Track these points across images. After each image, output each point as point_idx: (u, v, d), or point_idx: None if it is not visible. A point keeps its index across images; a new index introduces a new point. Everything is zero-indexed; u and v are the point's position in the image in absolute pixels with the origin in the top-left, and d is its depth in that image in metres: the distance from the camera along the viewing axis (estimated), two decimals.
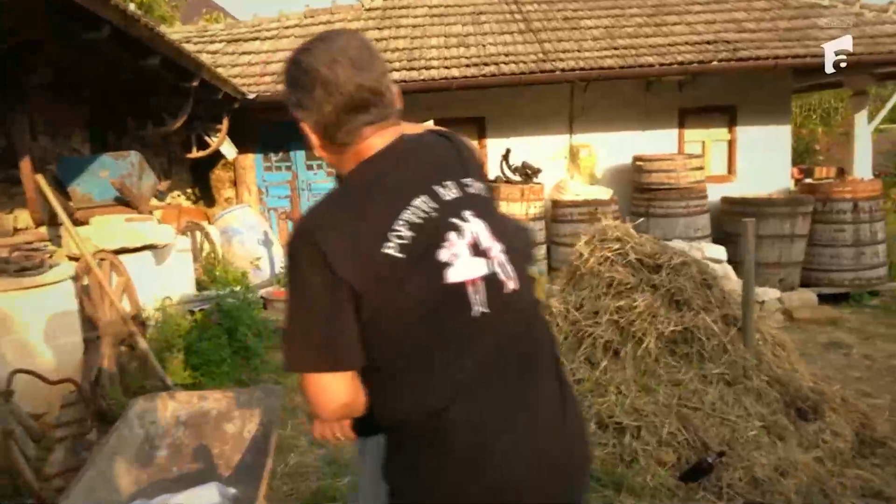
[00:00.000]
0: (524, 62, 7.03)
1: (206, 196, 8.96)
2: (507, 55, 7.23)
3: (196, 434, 2.51)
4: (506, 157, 7.64)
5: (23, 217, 4.20)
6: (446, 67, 7.16)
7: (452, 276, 1.05)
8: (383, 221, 1.03)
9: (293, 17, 8.92)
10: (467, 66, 7.16)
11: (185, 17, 14.60)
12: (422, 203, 1.06)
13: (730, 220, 7.44)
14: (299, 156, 8.74)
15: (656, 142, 8.09)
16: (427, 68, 7.17)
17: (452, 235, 1.06)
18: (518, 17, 8.25)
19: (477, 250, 1.08)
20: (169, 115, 5.60)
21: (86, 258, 3.62)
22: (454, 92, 7.31)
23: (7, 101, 3.89)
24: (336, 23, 8.55)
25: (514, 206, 7.34)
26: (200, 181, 8.88)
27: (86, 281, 3.72)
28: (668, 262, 3.69)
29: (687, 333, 3.50)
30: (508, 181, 7.60)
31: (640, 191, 7.59)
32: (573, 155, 8.36)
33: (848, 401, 3.53)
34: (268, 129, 8.46)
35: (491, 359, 1.08)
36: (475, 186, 1.15)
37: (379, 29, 8.26)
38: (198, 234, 6.57)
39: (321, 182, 8.73)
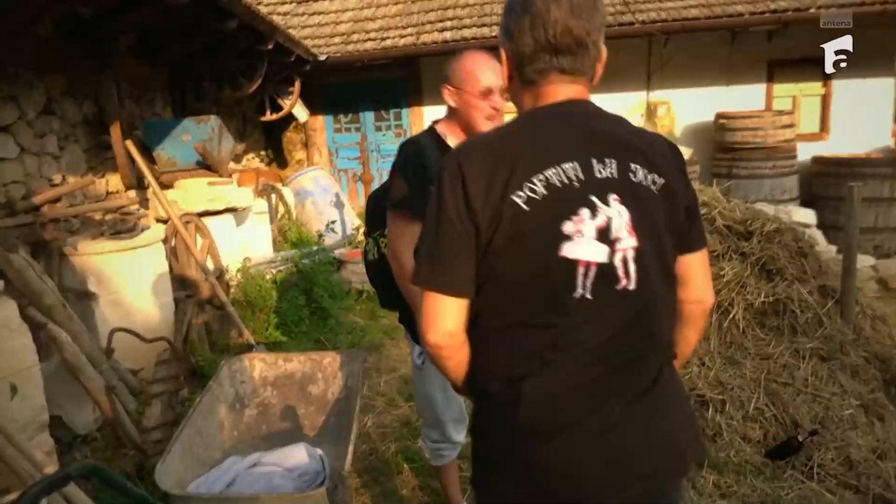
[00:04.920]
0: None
1: (278, 158, 9.15)
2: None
3: (282, 395, 2.59)
4: None
5: (113, 181, 4.39)
6: None
7: (567, 250, 1.02)
8: (525, 170, 1.02)
9: None
10: None
11: None
12: (570, 168, 1.03)
13: (821, 182, 6.98)
14: (368, 117, 8.75)
15: (741, 98, 7.61)
16: (497, 24, 6.93)
17: (585, 212, 1.02)
18: None
19: (604, 236, 1.03)
20: (244, 77, 5.68)
21: (174, 221, 3.75)
22: None
23: (96, 67, 4.03)
24: None
25: None
26: (273, 143, 9.06)
27: (173, 243, 3.87)
28: (759, 229, 3.48)
29: (778, 305, 3.31)
30: None
31: (722, 150, 7.20)
32: (650, 112, 7.99)
33: None
34: (337, 90, 8.50)
35: (584, 347, 1.05)
36: (645, 177, 1.07)
37: None
38: (273, 195, 6.72)
39: (389, 143, 8.72)
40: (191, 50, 5.06)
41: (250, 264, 4.75)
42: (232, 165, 7.02)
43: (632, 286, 1.05)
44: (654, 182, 1.08)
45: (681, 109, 7.86)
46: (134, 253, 3.21)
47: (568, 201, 1.02)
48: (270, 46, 5.05)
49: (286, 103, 7.05)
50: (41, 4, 3.11)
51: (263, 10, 7.69)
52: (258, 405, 2.56)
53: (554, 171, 1.02)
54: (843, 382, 3.11)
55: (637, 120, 8.02)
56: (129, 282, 3.20)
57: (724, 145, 7.15)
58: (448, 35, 7.04)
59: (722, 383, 3.17)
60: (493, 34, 6.86)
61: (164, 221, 4.05)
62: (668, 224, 1.10)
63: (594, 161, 1.04)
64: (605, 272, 1.03)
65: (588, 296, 1.03)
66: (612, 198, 1.04)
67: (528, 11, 1.06)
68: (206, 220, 4.33)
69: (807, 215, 6.63)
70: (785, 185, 7.04)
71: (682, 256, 1.16)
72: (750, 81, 7.62)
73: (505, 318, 1.06)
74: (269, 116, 7.10)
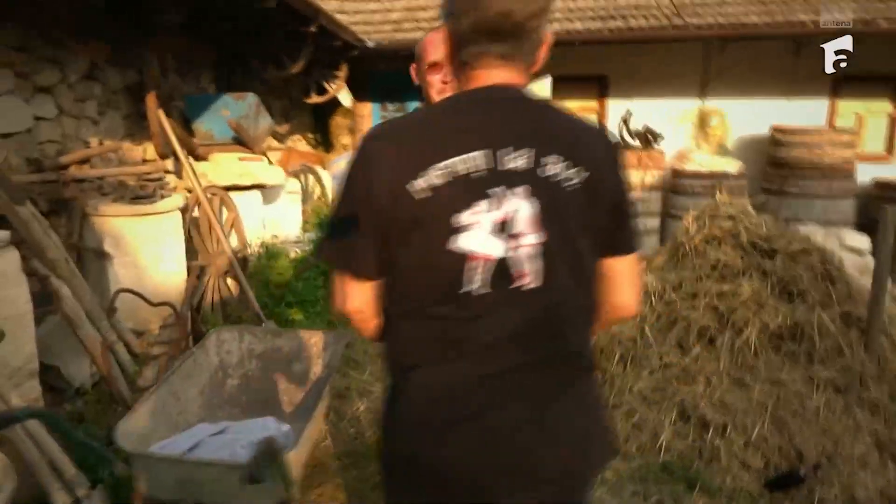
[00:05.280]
0: (655, 17, 6.49)
1: (325, 141, 9.29)
2: (637, 8, 6.71)
3: (266, 369, 2.62)
4: (626, 119, 7.20)
5: (151, 149, 4.54)
6: (569, 20, 6.78)
7: (461, 242, 0.97)
8: (429, 157, 0.98)
9: None
10: (592, 18, 6.73)
11: None
12: (476, 157, 0.98)
13: (880, 207, 6.57)
14: (413, 106, 8.77)
15: (801, 112, 7.25)
16: (549, 21, 6.81)
17: (484, 203, 0.97)
18: None
19: (503, 230, 0.98)
20: (289, 58, 5.78)
21: (197, 191, 3.85)
22: (577, 48, 6.92)
23: (139, 38, 4.17)
24: None
25: (630, 174, 6.93)
26: (321, 126, 9.21)
27: (196, 213, 3.98)
28: (784, 248, 3.31)
29: (796, 329, 3.14)
30: (626, 146, 7.17)
31: (775, 166, 6.88)
32: (702, 122, 7.71)
33: None
34: (386, 78, 8.55)
35: (480, 342, 1.00)
36: (562, 170, 1.01)
37: None
38: (310, 177, 6.83)
39: None
40: (237, 28, 5.17)
41: (274, 241, 4.84)
42: (276, 144, 7.18)
43: (535, 284, 1.00)
44: (573, 176, 1.01)
45: (735, 120, 7.55)
46: (150, 219, 3.31)
47: (468, 191, 0.97)
48: (314, 28, 5.10)
49: (332, 88, 7.13)
50: None
51: None
52: (241, 376, 2.60)
53: (459, 158, 0.97)
54: (858, 417, 2.91)
55: (687, 128, 7.76)
56: (143, 246, 3.30)
57: (777, 160, 6.84)
58: None
59: (726, 405, 3.03)
60: None
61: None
62: (587, 221, 1.04)
63: (506, 150, 0.99)
64: (503, 267, 0.98)
65: (483, 290, 0.98)
66: (519, 189, 0.98)
67: None
68: (234, 195, 4.43)
69: (860, 240, 6.25)
70: (839, 207, 6.67)
71: (607, 259, 1.10)
72: (812, 95, 7.25)
73: (402, 305, 1.04)
74: (313, 99, 7.22)
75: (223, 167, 4.50)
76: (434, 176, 0.97)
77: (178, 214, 3.52)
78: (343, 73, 7.07)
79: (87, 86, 3.89)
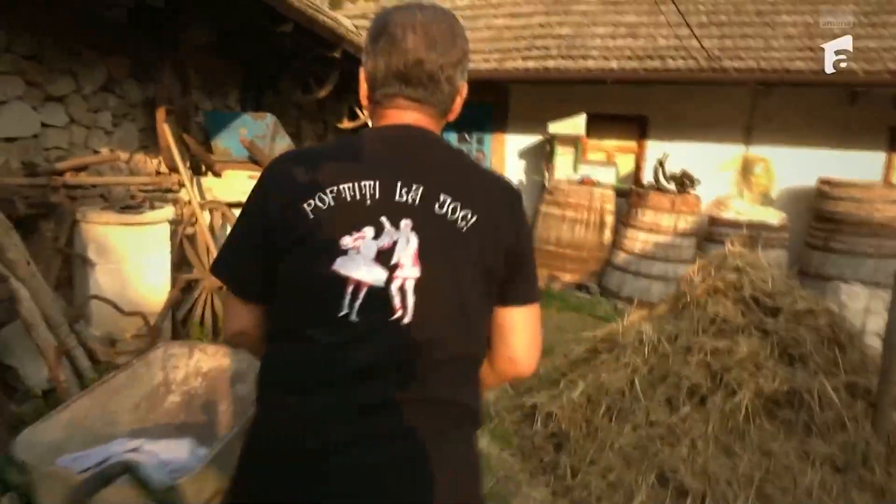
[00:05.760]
0: (694, 59, 6.28)
1: None
2: (677, 49, 6.51)
3: (211, 388, 2.55)
4: (661, 162, 6.96)
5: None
6: (605, 59, 6.65)
7: (340, 265, 0.97)
8: (322, 180, 1.01)
9: None
10: (629, 58, 6.58)
11: None
12: (368, 185, 1.00)
13: None
14: (450, 138, 8.76)
15: (854, 165, 6.82)
16: (584, 57, 6.71)
17: (369, 230, 0.99)
18: (703, 7, 7.38)
19: (385, 260, 0.98)
20: (317, 83, 5.87)
21: (193, 205, 3.89)
22: (614, 87, 6.77)
23: (160, 55, 4.30)
24: (504, 4, 8.36)
25: (662, 218, 6.67)
26: None
27: (192, 227, 4.01)
28: (789, 307, 3.03)
29: (794, 396, 2.85)
30: (659, 189, 6.92)
31: (821, 220, 6.46)
32: (745, 169, 7.37)
33: None
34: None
35: (340, 371, 0.96)
36: (453, 211, 1.01)
37: (546, 14, 7.92)
38: None
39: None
40: (265, 50, 5.29)
41: None
42: None
43: (409, 319, 0.97)
44: (463, 218, 1.01)
45: (781, 169, 7.17)
46: (136, 229, 3.34)
47: (354, 217, 0.99)
48: (337, 55, 5.17)
49: (364, 113, 7.20)
50: None
51: (366, 22, 7.94)
52: (184, 394, 2.53)
53: (349, 185, 0.99)
54: (856, 501, 2.59)
55: (730, 175, 7.43)
56: (128, 255, 3.33)
57: (823, 214, 6.42)
58: (531, 64, 6.91)
59: (708, 474, 2.76)
60: (577, 67, 6.64)
61: (202, 205, 4.21)
62: (477, 266, 1.01)
63: (399, 184, 1.00)
64: (378, 297, 0.96)
65: (357, 318, 0.96)
66: (405, 223, 0.99)
67: (385, 35, 1.06)
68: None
69: None
70: (891, 267, 6.16)
71: (501, 308, 1.08)
72: (866, 147, 6.81)
73: (279, 325, 1.04)
74: (344, 124, 7.30)
75: (231, 183, 4.56)
76: (324, 198, 0.99)
77: (166, 226, 3.55)
78: None
79: (102, 97, 4.03)
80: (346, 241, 0.97)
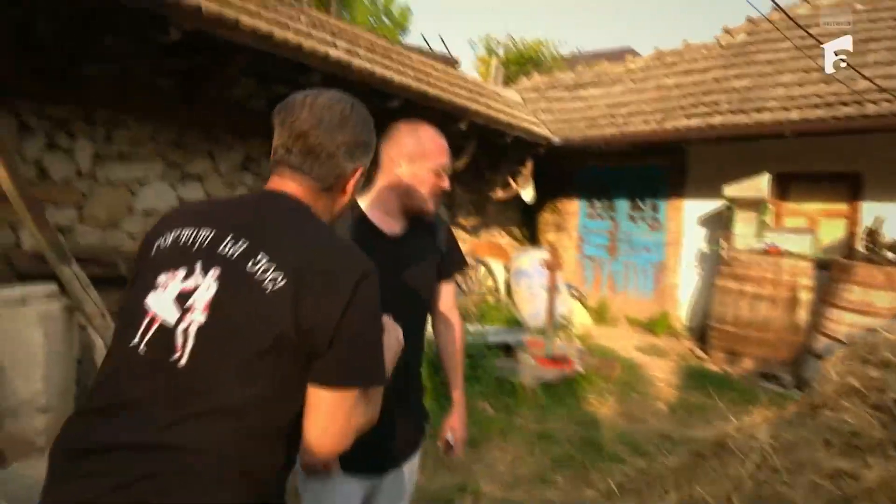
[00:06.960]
0: None
1: (532, 237, 9.27)
2: (880, 92, 5.35)
3: None
4: (874, 229, 5.68)
5: None
6: (785, 109, 5.72)
7: (150, 298, 1.03)
8: (174, 224, 1.10)
9: (639, 61, 8.50)
10: (815, 106, 5.57)
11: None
12: (202, 233, 1.06)
13: None
14: (622, 205, 8.23)
15: None
16: (759, 110, 5.86)
17: (182, 272, 1.04)
18: None
19: (182, 300, 1.01)
20: (455, 154, 6.00)
21: None
22: (816, 141, 5.78)
23: None
24: (680, 63, 7.77)
25: (875, 296, 5.37)
26: (530, 222, 9.24)
27: None
28: None
29: None
30: (871, 260, 5.60)
31: None
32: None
33: None
34: (594, 175, 8.26)
35: (122, 400, 0.98)
36: (265, 272, 1.01)
37: (724, 67, 7.15)
38: (481, 269, 6.81)
39: (643, 236, 8.03)
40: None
41: None
42: (463, 235, 7.39)
43: (182, 361, 0.97)
44: (272, 280, 1.00)
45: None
46: None
47: (179, 258, 1.04)
48: (463, 126, 5.23)
49: (516, 183, 7.15)
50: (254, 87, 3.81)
51: (533, 95, 8.01)
52: None
53: (190, 230, 1.07)
54: None
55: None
56: None
57: None
58: (694, 122, 6.24)
59: None
60: (749, 122, 5.82)
61: None
62: (272, 327, 0.98)
63: (229, 237, 1.05)
64: (165, 334, 0.99)
65: (141, 349, 1.00)
66: (214, 272, 1.02)
67: (286, 110, 1.16)
68: None
69: None
70: None
71: (309, 383, 1.03)
72: None
73: (110, 347, 1.08)
74: (498, 195, 7.30)
75: None
76: (167, 238, 1.08)
77: None
78: (527, 169, 7.05)
79: (239, 175, 4.57)
80: (162, 278, 1.03)
